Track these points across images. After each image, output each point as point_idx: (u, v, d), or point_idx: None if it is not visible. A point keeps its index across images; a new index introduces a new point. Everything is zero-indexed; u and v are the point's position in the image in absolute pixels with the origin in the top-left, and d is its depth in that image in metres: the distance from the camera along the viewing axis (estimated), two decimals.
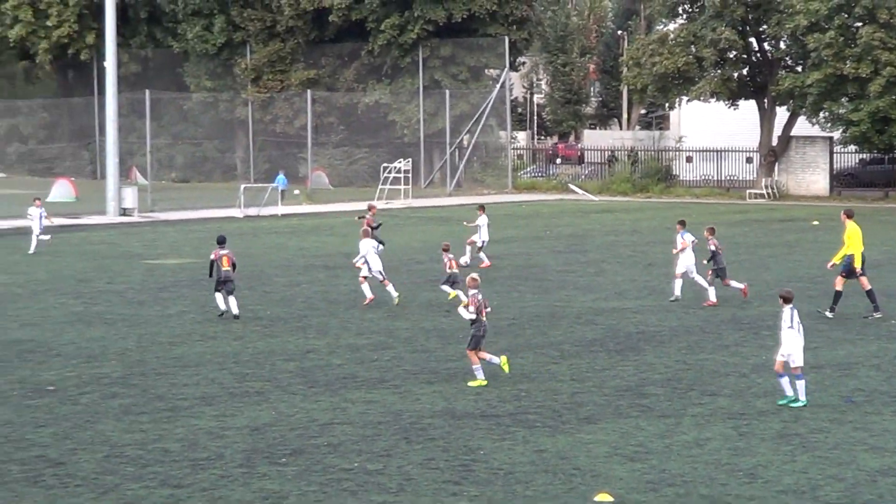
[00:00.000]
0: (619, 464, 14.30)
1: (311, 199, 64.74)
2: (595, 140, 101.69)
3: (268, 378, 19.06)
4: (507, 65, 78.28)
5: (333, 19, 78.83)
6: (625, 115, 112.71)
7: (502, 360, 18.85)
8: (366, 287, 26.68)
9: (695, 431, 15.78)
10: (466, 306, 18.81)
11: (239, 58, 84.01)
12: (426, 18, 76.49)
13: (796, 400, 17.06)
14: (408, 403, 17.30)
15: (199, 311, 25.66)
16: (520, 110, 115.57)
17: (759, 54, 71.34)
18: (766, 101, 70.94)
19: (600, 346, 21.88)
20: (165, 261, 36.10)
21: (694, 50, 69.15)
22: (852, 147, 70.50)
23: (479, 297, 18.68)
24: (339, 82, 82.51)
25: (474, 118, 77.14)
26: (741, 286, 27.40)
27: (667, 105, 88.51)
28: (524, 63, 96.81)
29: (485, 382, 18.47)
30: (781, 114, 71.40)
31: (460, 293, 24.33)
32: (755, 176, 73.11)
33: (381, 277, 26.74)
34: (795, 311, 17.25)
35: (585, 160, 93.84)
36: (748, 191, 70.06)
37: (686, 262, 27.37)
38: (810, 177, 71.20)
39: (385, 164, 68.13)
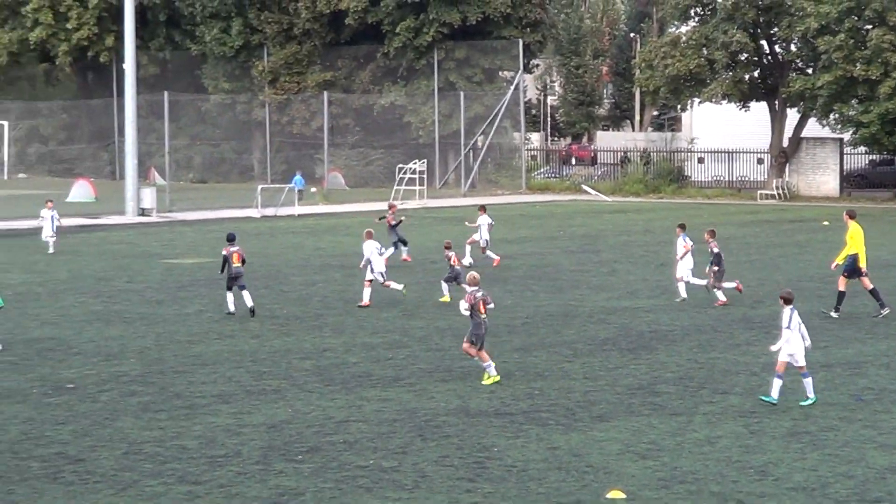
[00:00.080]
0: (632, 461, 14.41)
1: (327, 200, 64.93)
2: (608, 141, 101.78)
3: (284, 376, 19.20)
4: (521, 67, 78.32)
5: (349, 22, 78.92)
6: (637, 117, 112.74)
7: (493, 378, 18.59)
8: (367, 291, 26.77)
9: (706, 429, 15.89)
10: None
11: (256, 60, 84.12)
12: (441, 21, 76.55)
13: (774, 403, 17.03)
14: (422, 401, 17.43)
15: (216, 310, 25.83)
16: (533, 112, 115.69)
17: (769, 57, 71.33)
18: (776, 102, 70.91)
19: (613, 345, 22.00)
20: (183, 260, 36.27)
21: (706, 52, 69.16)
22: (862, 148, 70.50)
23: (478, 294, 18.70)
24: (355, 84, 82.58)
25: (488, 120, 77.21)
26: (733, 284, 27.42)
27: (679, 107, 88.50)
28: (538, 65, 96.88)
29: (498, 378, 18.57)
30: (792, 115, 71.38)
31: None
32: (766, 177, 73.09)
33: (382, 280, 26.86)
34: (795, 312, 17.36)
35: (598, 161, 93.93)
36: (759, 191, 70.04)
37: (687, 266, 27.54)
38: (820, 178, 71.14)
39: (400, 165, 68.25)
